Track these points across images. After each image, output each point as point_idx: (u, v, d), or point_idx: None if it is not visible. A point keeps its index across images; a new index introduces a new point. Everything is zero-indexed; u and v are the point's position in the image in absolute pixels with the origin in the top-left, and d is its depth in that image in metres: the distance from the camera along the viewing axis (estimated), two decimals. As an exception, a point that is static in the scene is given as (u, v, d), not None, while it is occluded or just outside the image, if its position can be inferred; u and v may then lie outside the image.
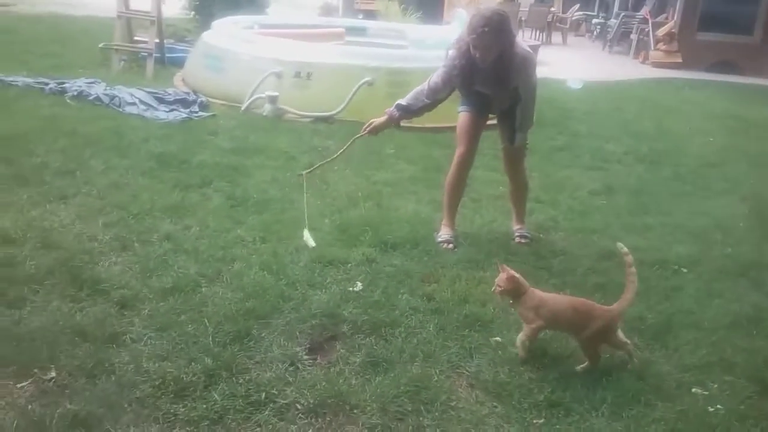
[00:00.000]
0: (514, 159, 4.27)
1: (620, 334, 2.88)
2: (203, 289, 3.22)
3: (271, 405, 2.47)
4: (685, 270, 3.96)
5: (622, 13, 17.62)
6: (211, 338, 2.79)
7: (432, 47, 9.54)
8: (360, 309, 3.17)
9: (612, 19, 17.89)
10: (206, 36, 8.28)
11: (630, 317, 3.29)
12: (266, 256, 3.62)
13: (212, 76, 7.65)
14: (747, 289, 3.79)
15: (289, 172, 5.12)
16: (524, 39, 15.00)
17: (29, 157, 4.78)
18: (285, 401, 2.49)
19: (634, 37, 16.28)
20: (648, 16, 16.08)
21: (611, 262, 3.82)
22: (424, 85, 4.03)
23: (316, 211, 4.37)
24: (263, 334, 2.89)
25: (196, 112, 6.71)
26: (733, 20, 15.21)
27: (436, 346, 2.95)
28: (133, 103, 6.54)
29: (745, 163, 6.79)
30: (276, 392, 2.53)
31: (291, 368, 2.70)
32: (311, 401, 2.49)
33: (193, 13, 11.63)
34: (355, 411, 2.48)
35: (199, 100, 7.02)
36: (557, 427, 2.49)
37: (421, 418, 2.48)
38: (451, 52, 3.94)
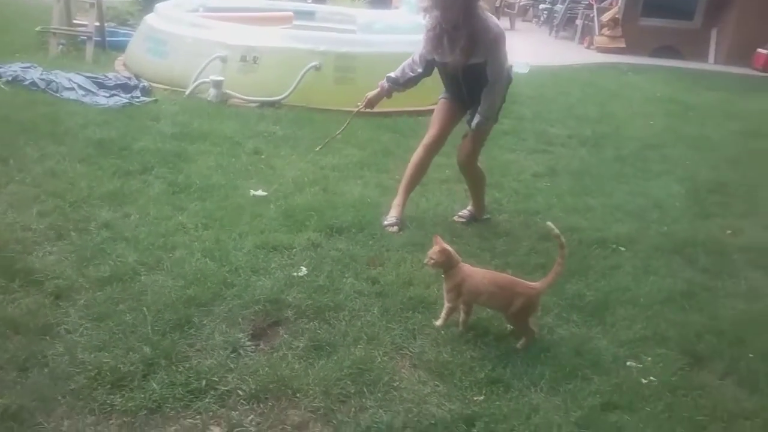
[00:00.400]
0: (466, 151, 4.21)
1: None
2: (142, 278, 3.15)
3: (211, 392, 2.45)
4: (623, 248, 4.07)
5: (568, -1, 17.88)
6: (150, 327, 2.75)
7: (381, 32, 9.54)
8: (304, 294, 3.17)
9: (558, 5, 18.09)
10: (149, 19, 8.07)
11: (569, 295, 3.39)
12: (208, 243, 3.57)
13: (155, 61, 7.46)
14: (681, 265, 3.92)
15: (234, 158, 5.06)
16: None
17: (-41, 145, 4.60)
18: (226, 388, 2.48)
19: (579, 22, 16.52)
20: (593, 2, 16.33)
21: (552, 243, 3.85)
22: (410, 58, 4.17)
23: (261, 196, 4.34)
24: (205, 322, 2.86)
25: (138, 98, 6.52)
26: (674, 6, 15.58)
27: (380, 328, 2.97)
28: (71, 89, 6.33)
29: (683, 145, 7.00)
30: (217, 379, 2.51)
31: (233, 355, 2.68)
32: (253, 387, 2.48)
33: (135, -5, 11.29)
34: (297, 395, 2.48)
35: (141, 85, 6.83)
36: (497, 403, 2.54)
37: (363, 400, 2.50)
38: (425, 21, 4.04)
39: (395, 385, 2.61)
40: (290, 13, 9.83)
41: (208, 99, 6.68)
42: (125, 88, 6.67)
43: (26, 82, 6.35)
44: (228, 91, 6.76)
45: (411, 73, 4.17)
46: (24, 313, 2.77)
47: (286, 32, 8.11)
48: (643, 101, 9.41)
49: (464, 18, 3.74)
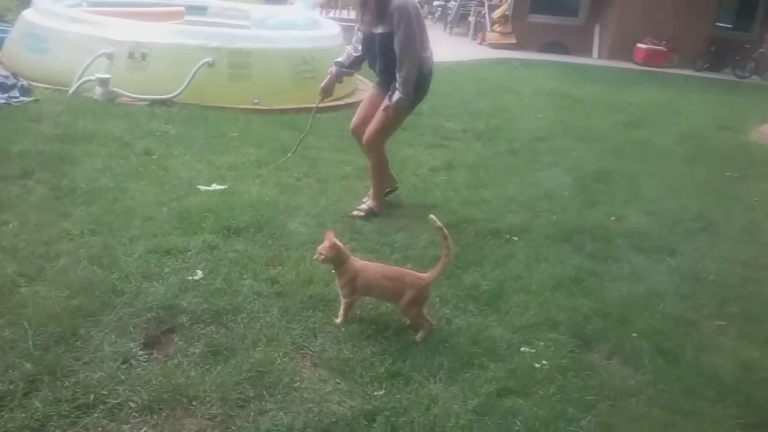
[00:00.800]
0: (372, 128, 4.29)
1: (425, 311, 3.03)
2: (22, 290, 2.97)
3: (101, 407, 2.34)
4: (516, 238, 4.22)
5: (461, -4, 18.31)
6: (31, 342, 2.58)
7: (275, 28, 9.41)
8: (200, 298, 3.08)
9: (452, 2, 18.51)
10: (27, 14, 7.58)
11: (466, 285, 3.48)
12: (96, 250, 3.40)
13: (35, 58, 7.03)
14: (570, 252, 4.11)
15: (123, 159, 4.84)
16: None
17: None
18: (117, 401, 2.37)
19: (472, 19, 16.98)
20: (484, -1, 16.84)
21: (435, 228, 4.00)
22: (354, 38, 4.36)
23: (152, 198, 4.18)
24: (92, 333, 2.72)
25: (17, 97, 6.13)
26: (560, 3, 16.32)
27: (280, 329, 2.93)
28: (-60, 89, 5.87)
29: (570, 136, 7.34)
30: (106, 392, 2.40)
31: (124, 366, 2.57)
32: (146, 398, 2.39)
33: (12, -11, 10.55)
34: (193, 403, 2.41)
35: (20, 83, 6.40)
36: (397, 396, 2.57)
37: (263, 403, 2.46)
38: None
39: (296, 385, 2.59)
40: (181, 8, 9.50)
41: (94, 98, 6.37)
42: (2, 87, 6.24)
43: None
44: (115, 89, 6.47)
45: (354, 53, 4.37)
46: None
47: (175, 28, 7.83)
48: (533, 95, 9.80)
49: None
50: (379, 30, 4.05)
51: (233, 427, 2.34)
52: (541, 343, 3.04)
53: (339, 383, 2.63)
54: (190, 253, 3.51)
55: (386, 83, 4.28)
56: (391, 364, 2.75)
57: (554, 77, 11.64)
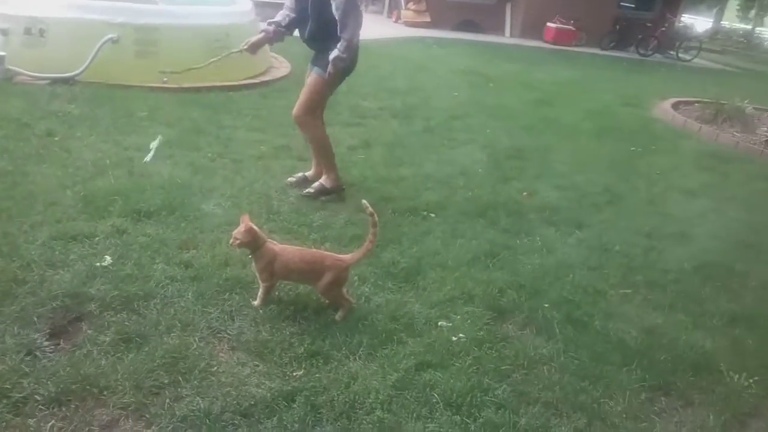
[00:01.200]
0: (300, 101, 4.24)
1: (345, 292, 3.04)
2: None
3: (4, 401, 2.22)
4: (433, 215, 4.28)
5: (376, -27, 18.25)
6: None
7: (185, 2, 9.06)
8: (109, 284, 2.96)
9: (368, -21, 18.44)
10: None
11: (385, 263, 3.50)
12: (-7, 238, 3.21)
13: None
14: (484, 227, 4.21)
15: (22, 141, 4.57)
16: None
17: None
18: (21, 395, 2.26)
19: (387, -4, 17.02)
20: (399, -23, 16.85)
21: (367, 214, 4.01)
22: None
23: (55, 182, 3.98)
24: (-8, 325, 2.57)
25: None
26: (474, -18, 16.56)
27: (195, 313, 2.86)
28: None
29: (484, 114, 7.49)
30: (9, 386, 2.28)
31: (28, 358, 2.44)
32: (53, 390, 2.29)
33: None
34: (105, 393, 2.33)
35: None
36: (317, 375, 2.57)
37: (179, 389, 2.40)
38: None
39: (213, 370, 2.54)
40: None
41: (-12, 76, 5.97)
42: None
43: None
44: (12, 67, 6.08)
45: (291, 14, 4.13)
46: None
47: (76, 1, 7.40)
48: (448, 74, 9.92)
49: None
50: None
51: (147, 415, 2.27)
52: (458, 317, 3.11)
53: (257, 365, 2.60)
54: (97, 238, 3.37)
55: (316, 60, 4.18)
56: (311, 344, 2.74)
57: (468, 56, 11.82)
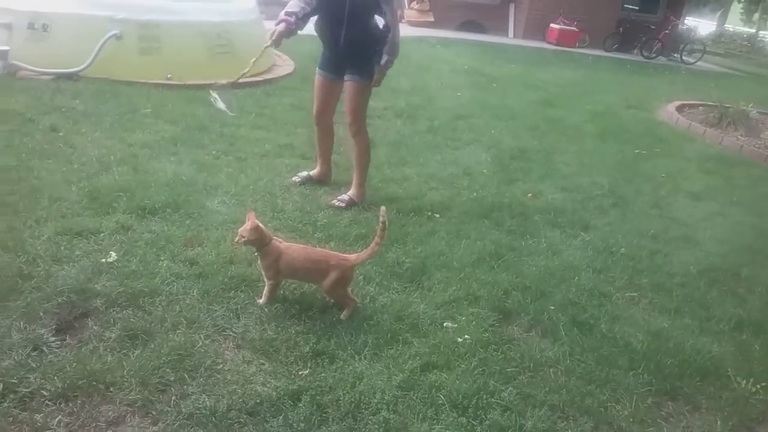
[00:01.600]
0: (351, 108, 4.22)
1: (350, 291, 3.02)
2: None
3: (11, 396, 2.22)
4: (437, 215, 4.27)
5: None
6: (-70, 331, 2.41)
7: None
8: (115, 281, 2.95)
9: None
10: None
11: (390, 263, 3.49)
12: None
13: None
14: (489, 228, 4.20)
15: (27, 137, 4.56)
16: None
17: None
18: (28, 390, 2.25)
19: (391, -4, 17.00)
20: (403, -24, 16.84)
21: (371, 213, 4.01)
22: None
23: (60, 177, 3.97)
24: (-2, 320, 2.57)
25: None
26: (477, -17, 16.55)
27: (201, 310, 2.86)
28: None
29: (488, 115, 7.48)
30: (16, 381, 2.27)
31: (34, 353, 2.43)
32: (59, 386, 2.28)
33: None
34: (111, 389, 2.32)
35: None
36: (322, 375, 2.56)
37: (185, 386, 2.40)
38: None
39: (218, 367, 2.53)
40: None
41: (-8, 71, 5.96)
42: None
43: None
44: (16, 62, 6.07)
45: (308, 7, 3.96)
46: None
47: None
48: (451, 74, 9.91)
49: None
50: None
51: (154, 412, 2.26)
52: (463, 318, 3.10)
53: (263, 364, 2.59)
54: (102, 234, 3.36)
55: (336, 65, 4.17)
56: (316, 343, 2.73)
57: (472, 56, 11.81)
